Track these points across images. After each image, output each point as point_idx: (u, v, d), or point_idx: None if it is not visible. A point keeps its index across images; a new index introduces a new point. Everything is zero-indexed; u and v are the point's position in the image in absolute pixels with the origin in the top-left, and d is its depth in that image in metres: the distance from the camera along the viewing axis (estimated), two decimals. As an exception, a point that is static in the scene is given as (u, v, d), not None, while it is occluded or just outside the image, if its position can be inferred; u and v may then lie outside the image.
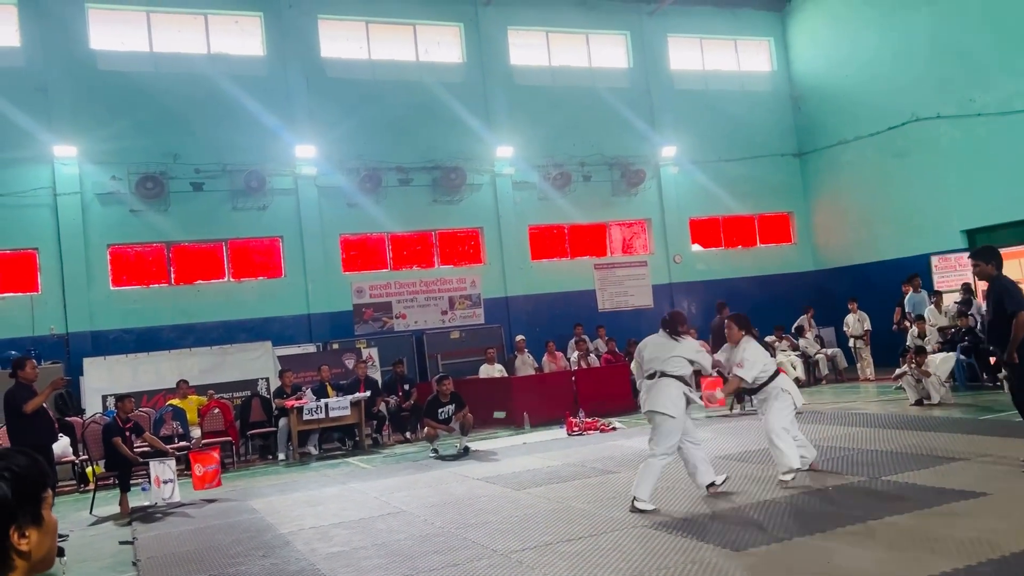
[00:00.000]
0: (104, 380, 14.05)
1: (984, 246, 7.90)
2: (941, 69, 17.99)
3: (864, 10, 19.84)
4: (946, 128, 18.06)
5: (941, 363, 12.65)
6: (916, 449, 8.60)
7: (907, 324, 14.74)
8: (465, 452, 11.67)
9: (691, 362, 7.40)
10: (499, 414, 14.54)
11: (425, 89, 18.25)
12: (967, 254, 16.99)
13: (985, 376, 13.60)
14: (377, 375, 15.55)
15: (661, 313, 19.56)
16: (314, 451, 13.45)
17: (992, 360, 8.59)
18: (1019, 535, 5.27)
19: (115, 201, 15.87)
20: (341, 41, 18.08)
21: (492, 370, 15.72)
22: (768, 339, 16.80)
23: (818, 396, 14.88)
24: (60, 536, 6.78)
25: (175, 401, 13.12)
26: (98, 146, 15.70)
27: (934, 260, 17.42)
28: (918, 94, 18.48)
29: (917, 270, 17.11)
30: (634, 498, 7.05)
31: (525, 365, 16.40)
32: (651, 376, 7.35)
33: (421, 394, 13.87)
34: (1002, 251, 18.14)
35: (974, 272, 7.89)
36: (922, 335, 14.18)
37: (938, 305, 15.21)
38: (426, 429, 11.98)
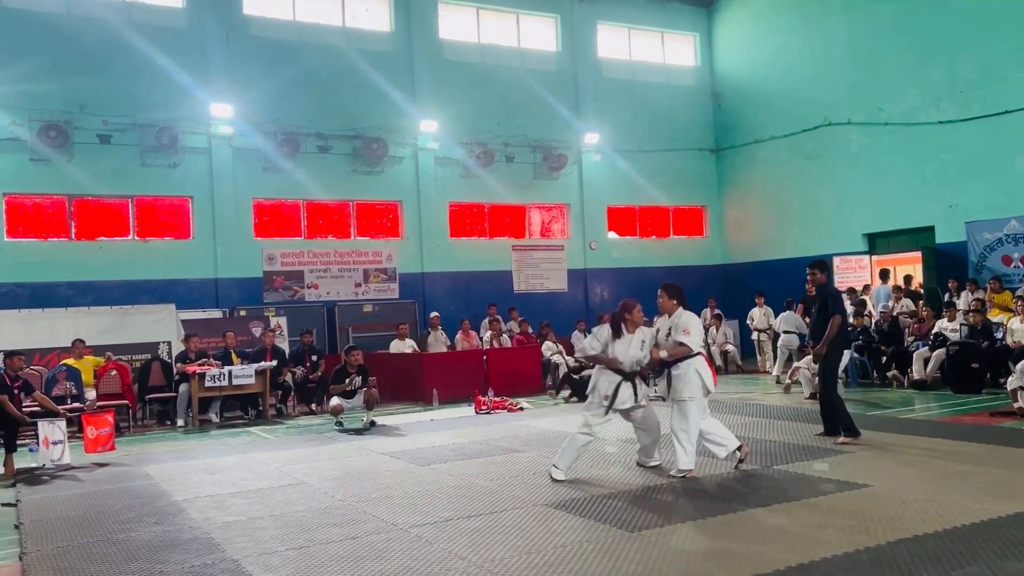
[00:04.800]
0: (-7, 335, 13.35)
1: (819, 259, 9.63)
2: (855, 78, 18.69)
3: (787, 14, 20.39)
4: (855, 134, 18.79)
5: (836, 360, 13.21)
6: (807, 441, 9.00)
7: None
8: (371, 426, 11.61)
9: None
10: None
11: (350, 56, 17.88)
12: (868, 256, 17.89)
13: (875, 374, 14.28)
14: (285, 345, 15.26)
15: (575, 297, 19.96)
16: (215, 419, 13.15)
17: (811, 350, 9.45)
18: (895, 525, 5.58)
19: (14, 148, 15.04)
20: (265, -1, 17.55)
21: (403, 346, 15.63)
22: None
23: (720, 386, 15.33)
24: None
25: (70, 361, 12.60)
26: (-3, 89, 14.86)
27: (836, 261, 18.11)
28: (832, 100, 19.17)
29: (820, 269, 17.68)
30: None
31: (438, 342, 16.35)
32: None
33: (329, 366, 13.69)
34: (896, 256, 18.93)
35: (810, 279, 9.38)
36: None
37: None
38: (331, 403, 11.86)
